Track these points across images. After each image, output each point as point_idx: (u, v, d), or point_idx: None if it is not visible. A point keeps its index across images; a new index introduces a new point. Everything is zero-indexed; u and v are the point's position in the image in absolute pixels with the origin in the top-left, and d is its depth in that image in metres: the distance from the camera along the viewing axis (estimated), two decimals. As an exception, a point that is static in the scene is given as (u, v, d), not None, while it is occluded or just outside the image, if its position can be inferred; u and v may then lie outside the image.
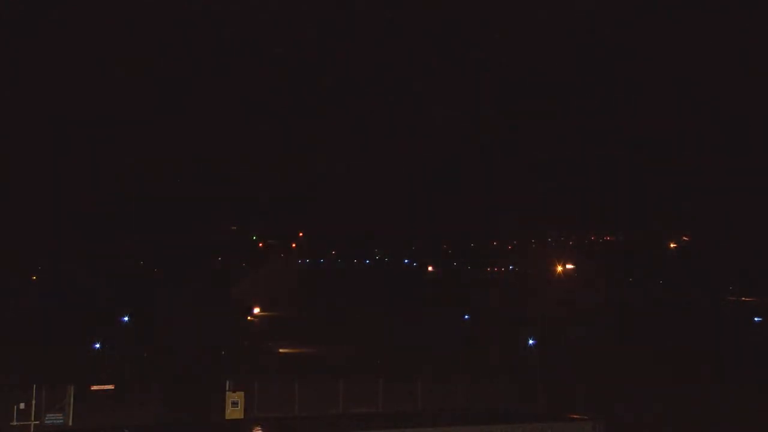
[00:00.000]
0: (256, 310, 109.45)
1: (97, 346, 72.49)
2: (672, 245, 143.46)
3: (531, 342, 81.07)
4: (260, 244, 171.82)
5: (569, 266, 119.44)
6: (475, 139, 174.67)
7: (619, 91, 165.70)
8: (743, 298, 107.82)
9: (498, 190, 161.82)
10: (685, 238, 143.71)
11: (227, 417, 39.36)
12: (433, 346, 77.18)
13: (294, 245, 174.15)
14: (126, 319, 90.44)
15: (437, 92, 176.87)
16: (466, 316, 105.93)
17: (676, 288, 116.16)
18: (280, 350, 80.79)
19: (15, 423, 36.42)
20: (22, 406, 36.68)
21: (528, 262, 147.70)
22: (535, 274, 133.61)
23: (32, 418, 36.69)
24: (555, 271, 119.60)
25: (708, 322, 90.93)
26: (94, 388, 39.49)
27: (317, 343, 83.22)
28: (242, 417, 39.43)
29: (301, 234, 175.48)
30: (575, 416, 39.75)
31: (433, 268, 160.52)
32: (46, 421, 36.97)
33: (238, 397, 39.64)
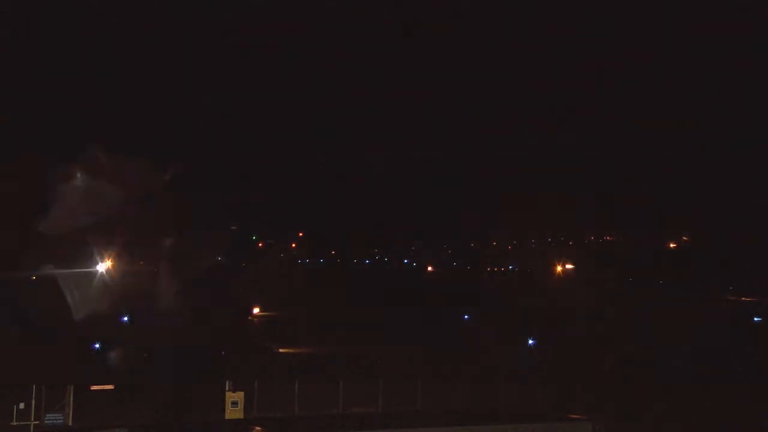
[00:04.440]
0: (256, 310, 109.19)
1: (97, 346, 72.28)
2: (672, 245, 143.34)
3: (531, 342, 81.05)
4: (260, 244, 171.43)
5: (569, 266, 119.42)
6: (476, 138, 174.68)
7: (619, 90, 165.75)
8: (743, 298, 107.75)
9: (498, 190, 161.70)
10: (685, 238, 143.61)
11: (227, 417, 39.39)
12: (433, 346, 77.16)
13: (294, 245, 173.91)
14: (126, 319, 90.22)
15: (437, 91, 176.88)
16: (466, 316, 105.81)
17: (676, 288, 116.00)
18: (280, 350, 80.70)
19: (15, 423, 36.40)
20: (22, 406, 36.67)
21: (528, 262, 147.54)
22: (535, 274, 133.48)
23: (32, 418, 36.69)
24: (555, 271, 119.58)
25: (708, 321, 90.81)
26: (94, 388, 39.47)
27: (317, 343, 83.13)
28: (242, 417, 39.46)
29: (301, 234, 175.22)
30: (575, 416, 39.74)
31: (433, 268, 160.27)
32: (46, 421, 36.98)
33: (238, 397, 39.68)
